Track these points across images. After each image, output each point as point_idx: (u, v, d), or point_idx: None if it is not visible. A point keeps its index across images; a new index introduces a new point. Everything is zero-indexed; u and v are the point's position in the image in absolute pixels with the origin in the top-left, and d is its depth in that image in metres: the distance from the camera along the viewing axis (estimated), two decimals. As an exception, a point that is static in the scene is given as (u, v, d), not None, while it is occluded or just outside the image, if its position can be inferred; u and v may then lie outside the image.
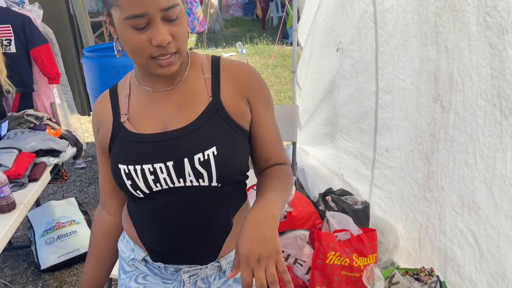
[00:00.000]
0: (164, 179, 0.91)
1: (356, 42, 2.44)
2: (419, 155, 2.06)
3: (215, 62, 1.00)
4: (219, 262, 1.02)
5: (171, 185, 0.92)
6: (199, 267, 1.02)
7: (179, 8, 0.85)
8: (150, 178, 0.91)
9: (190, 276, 1.03)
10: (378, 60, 2.26)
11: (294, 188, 2.49)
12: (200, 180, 0.91)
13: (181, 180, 0.91)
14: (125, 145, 0.95)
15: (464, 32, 1.65)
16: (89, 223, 2.72)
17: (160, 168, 0.91)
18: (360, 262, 2.04)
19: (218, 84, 0.96)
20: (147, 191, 0.94)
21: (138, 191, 0.95)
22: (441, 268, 1.99)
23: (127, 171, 0.93)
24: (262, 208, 0.84)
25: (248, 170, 1.02)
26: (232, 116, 0.95)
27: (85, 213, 2.78)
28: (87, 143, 4.32)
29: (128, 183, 0.94)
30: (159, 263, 1.04)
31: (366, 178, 2.59)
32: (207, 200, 0.94)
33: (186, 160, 0.89)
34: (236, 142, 0.94)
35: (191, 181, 0.91)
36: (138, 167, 0.92)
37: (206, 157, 0.89)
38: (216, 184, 0.92)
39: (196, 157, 0.89)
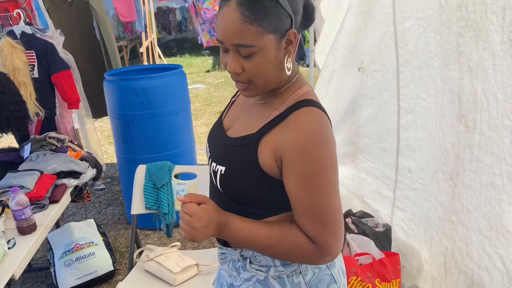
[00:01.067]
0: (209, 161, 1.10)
1: (377, 62, 2.43)
2: (443, 176, 2.01)
3: (295, 106, 0.95)
4: (235, 250, 1.07)
5: (210, 169, 1.09)
6: (224, 248, 1.10)
7: (255, 49, 0.90)
8: (208, 155, 1.12)
9: (221, 253, 1.12)
10: (400, 79, 2.24)
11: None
12: (214, 180, 1.06)
13: (211, 169, 1.08)
14: (214, 125, 1.16)
15: (488, 51, 1.63)
16: (107, 244, 2.72)
17: (209, 154, 1.11)
18: None
19: (272, 126, 0.95)
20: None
21: None
22: (469, 294, 1.91)
23: (207, 144, 1.16)
24: (226, 226, 0.98)
25: (267, 208, 1.01)
26: (259, 159, 0.96)
27: (103, 234, 2.78)
28: (106, 164, 4.35)
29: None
30: None
31: (388, 200, 2.53)
32: (219, 196, 1.06)
33: (211, 159, 1.07)
34: (248, 177, 0.97)
35: (214, 176, 1.06)
36: (207, 145, 1.14)
37: (217, 169, 1.03)
38: (221, 191, 1.04)
39: (213, 163, 1.05)
